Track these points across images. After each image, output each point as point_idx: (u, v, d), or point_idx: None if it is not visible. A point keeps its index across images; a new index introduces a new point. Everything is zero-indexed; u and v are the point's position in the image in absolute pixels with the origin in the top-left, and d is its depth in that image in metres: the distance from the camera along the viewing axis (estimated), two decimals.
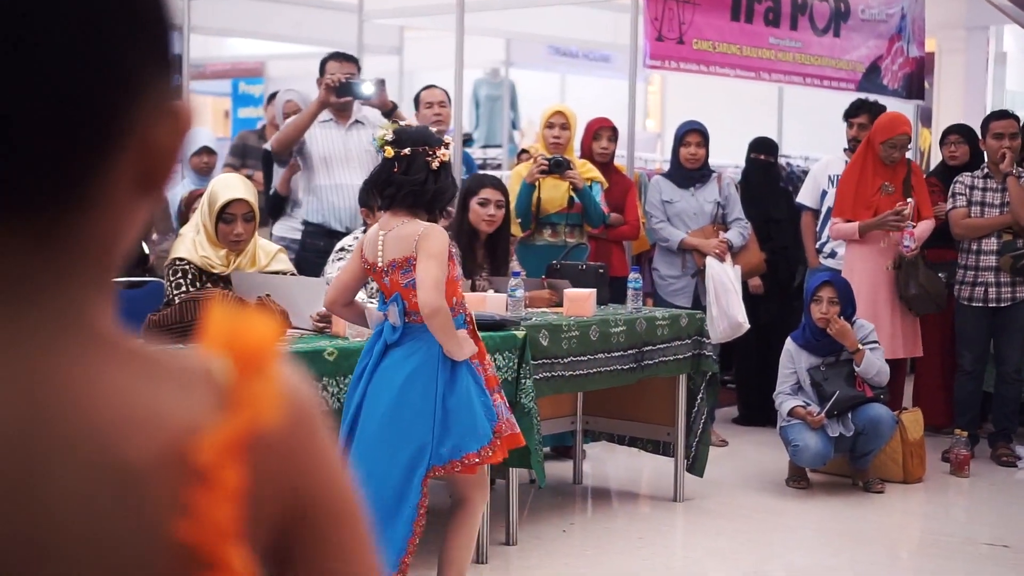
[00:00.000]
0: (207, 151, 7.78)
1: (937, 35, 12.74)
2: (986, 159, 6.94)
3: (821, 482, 6.45)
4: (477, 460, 3.96)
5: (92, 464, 0.75)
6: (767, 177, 7.95)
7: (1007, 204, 6.79)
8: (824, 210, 7.40)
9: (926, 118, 12.95)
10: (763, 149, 8.00)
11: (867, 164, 6.94)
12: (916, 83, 9.54)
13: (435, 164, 4.00)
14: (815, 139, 8.58)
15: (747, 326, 6.98)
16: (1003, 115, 7.05)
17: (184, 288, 4.57)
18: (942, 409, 7.41)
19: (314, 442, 0.86)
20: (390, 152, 3.99)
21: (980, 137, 7.14)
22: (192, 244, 4.69)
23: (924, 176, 8.01)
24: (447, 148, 4.12)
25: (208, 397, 0.80)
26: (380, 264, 3.99)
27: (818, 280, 6.42)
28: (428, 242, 3.90)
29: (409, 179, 3.96)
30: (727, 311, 6.94)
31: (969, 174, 7.03)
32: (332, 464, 0.87)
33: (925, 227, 6.92)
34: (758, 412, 7.77)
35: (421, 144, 4.00)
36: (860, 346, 6.21)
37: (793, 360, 6.35)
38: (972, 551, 5.44)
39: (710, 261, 7.01)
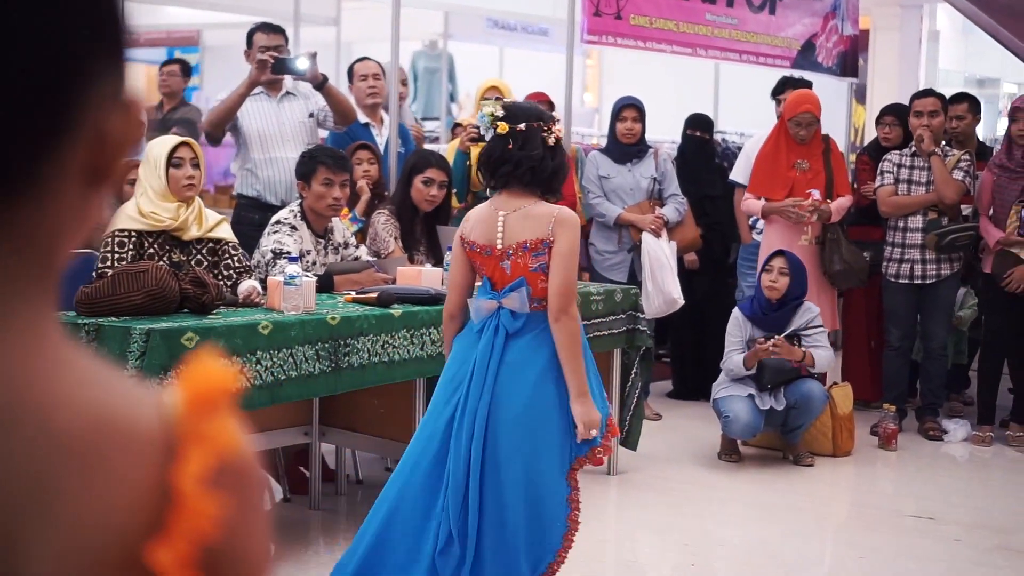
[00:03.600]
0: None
1: (872, 13, 12.87)
2: (914, 138, 7.03)
3: (753, 455, 6.54)
4: (601, 451, 3.78)
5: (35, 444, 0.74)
6: (703, 153, 8.01)
7: (932, 182, 6.88)
8: None
9: (861, 95, 13.09)
10: (699, 126, 8.05)
11: (780, 141, 7.01)
12: (850, 61, 9.64)
13: (551, 140, 3.77)
14: (751, 116, 8.64)
15: (682, 301, 7.04)
16: (926, 93, 7.13)
17: (121, 259, 4.53)
18: (870, 384, 7.54)
19: (249, 507, 0.84)
20: (504, 128, 3.74)
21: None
22: (134, 210, 4.65)
23: (858, 153, 8.12)
24: (559, 124, 3.94)
25: (155, 413, 0.80)
26: (499, 246, 3.75)
27: (772, 252, 6.48)
28: (570, 232, 3.69)
29: (527, 155, 3.71)
30: (662, 286, 6.99)
31: (897, 152, 7.12)
32: (258, 535, 0.86)
33: (842, 203, 7.00)
34: (692, 386, 7.85)
35: (536, 119, 3.77)
36: (804, 351, 6.26)
37: (740, 329, 6.41)
38: (898, 523, 5.54)
39: (646, 237, 7.06)
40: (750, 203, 7.07)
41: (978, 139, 7.86)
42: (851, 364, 7.72)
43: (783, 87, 7.72)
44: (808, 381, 6.29)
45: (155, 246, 4.66)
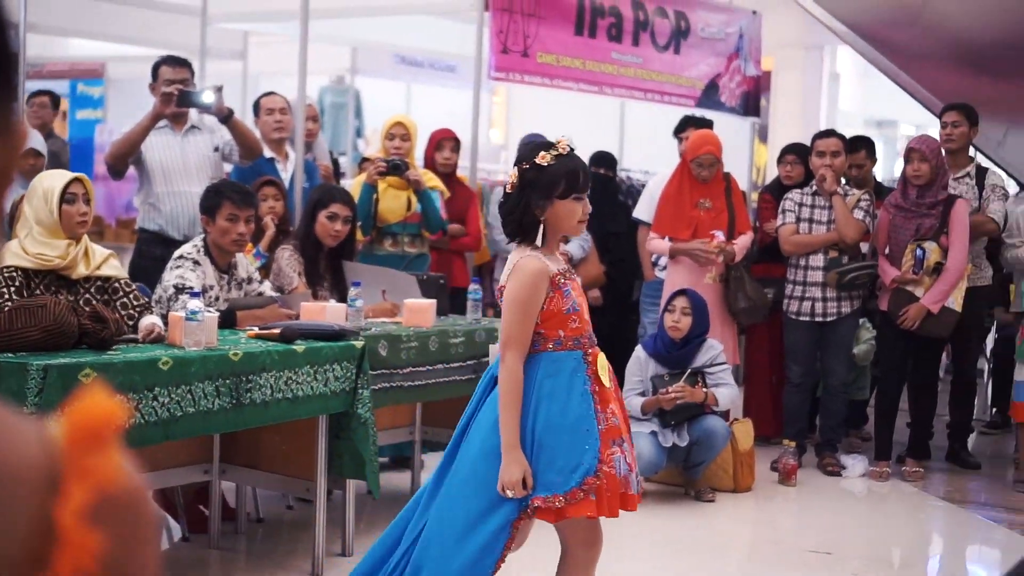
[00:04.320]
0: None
1: (774, 54, 13.08)
2: (815, 177, 7.14)
3: (654, 491, 6.58)
4: (539, 505, 3.54)
5: None
6: (607, 191, 8.08)
7: (834, 221, 7.00)
8: None
9: (763, 135, 13.29)
10: (603, 163, 8.13)
11: (683, 181, 7.08)
12: (753, 101, 9.81)
13: (508, 188, 3.69)
14: (655, 154, 8.76)
15: None
16: (828, 134, 7.25)
17: (8, 297, 4.44)
18: (771, 420, 7.63)
19: (135, 541, 0.82)
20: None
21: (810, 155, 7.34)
22: (19, 248, 4.57)
23: (760, 191, 8.24)
24: (524, 162, 3.67)
25: (39, 448, 0.79)
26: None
27: (674, 291, 6.53)
28: (515, 280, 3.62)
29: (503, 210, 3.71)
30: None
31: (799, 191, 7.23)
32: (147, 571, 0.84)
33: (744, 241, 7.11)
34: None
35: (517, 164, 3.73)
36: (706, 390, 6.32)
37: (641, 368, 6.45)
38: (798, 557, 5.60)
39: None
40: (656, 243, 7.14)
41: (875, 179, 8.02)
42: (752, 400, 7.81)
43: (685, 126, 7.83)
44: (711, 417, 6.35)
45: (41, 287, 4.56)
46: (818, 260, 7.05)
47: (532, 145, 3.71)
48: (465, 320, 5.88)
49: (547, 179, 3.58)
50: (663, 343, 6.42)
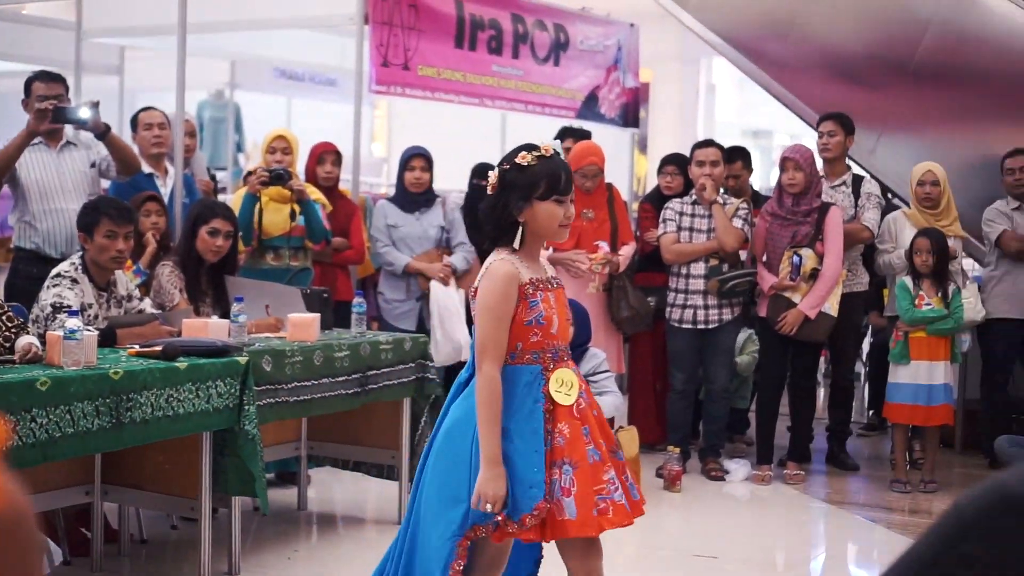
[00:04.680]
0: None
1: (652, 66, 13.25)
2: (694, 186, 7.24)
3: None
4: (499, 521, 3.44)
5: None
6: None
7: (714, 230, 7.11)
8: None
9: (642, 145, 13.44)
10: (485, 175, 8.07)
11: None
12: (632, 112, 9.92)
13: (488, 188, 3.59)
14: None
15: None
16: (707, 144, 7.35)
17: None
18: (655, 427, 7.72)
19: (18, 565, 0.81)
20: None
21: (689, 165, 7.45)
22: None
23: (640, 201, 8.33)
24: (505, 163, 3.59)
25: None
26: None
27: None
28: (485, 284, 3.51)
29: (481, 213, 3.66)
30: (451, 334, 7.06)
31: (679, 200, 7.33)
32: None
33: (627, 251, 7.19)
34: None
35: (477, 175, 3.73)
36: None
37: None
38: (684, 562, 5.66)
39: (434, 285, 7.11)
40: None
41: (752, 188, 8.16)
42: (637, 408, 7.89)
43: (563, 136, 7.90)
44: None
45: None
46: (699, 268, 7.15)
47: (516, 147, 3.62)
48: (350, 334, 5.86)
49: (527, 179, 3.50)
50: None
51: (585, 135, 7.88)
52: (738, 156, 7.81)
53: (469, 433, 3.47)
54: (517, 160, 3.52)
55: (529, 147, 3.56)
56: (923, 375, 6.99)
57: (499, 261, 3.52)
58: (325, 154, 7.21)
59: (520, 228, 3.53)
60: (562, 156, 3.59)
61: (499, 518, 3.41)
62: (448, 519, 3.49)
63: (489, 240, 3.60)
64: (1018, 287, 7.44)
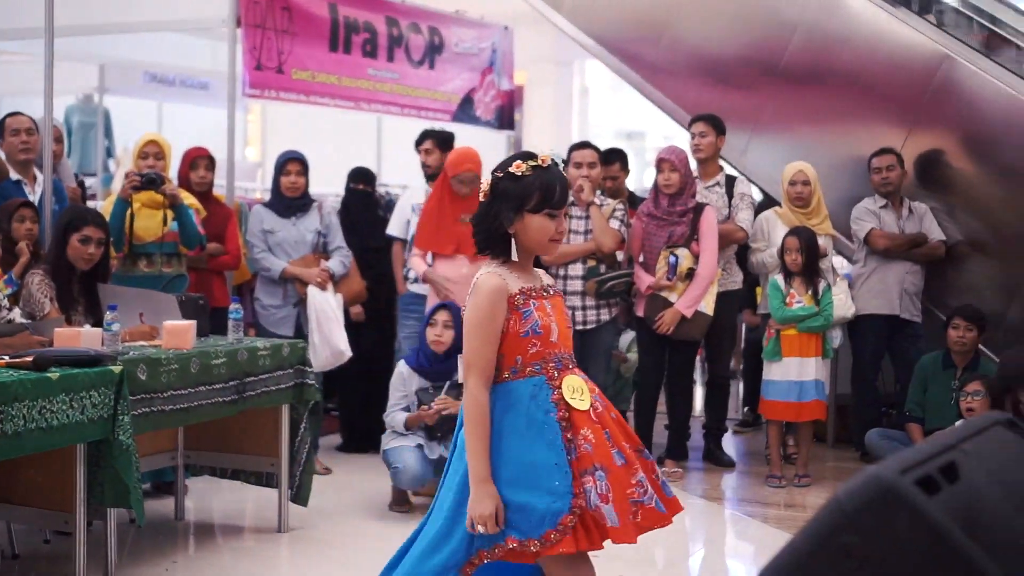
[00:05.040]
0: None
1: (527, 69, 13.31)
2: (572, 188, 7.28)
3: (424, 505, 6.58)
4: (514, 547, 3.28)
5: None
6: (366, 206, 8.07)
7: (591, 231, 7.16)
8: (409, 238, 7.58)
9: (517, 148, 13.47)
10: (362, 179, 8.11)
11: (444, 196, 7.13)
12: (507, 114, 9.96)
13: (482, 196, 3.49)
14: (414, 169, 8.77)
15: (349, 354, 7.08)
16: (583, 146, 7.40)
17: None
18: None
19: None
20: None
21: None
22: None
23: None
24: (499, 171, 3.48)
25: None
26: None
27: (436, 305, 6.56)
28: (474, 299, 3.39)
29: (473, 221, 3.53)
30: (329, 339, 7.00)
31: None
32: None
33: None
34: (361, 439, 7.86)
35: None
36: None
37: (405, 382, 6.45)
38: None
39: (312, 290, 7.06)
40: (416, 262, 7.18)
41: (628, 189, 8.24)
42: None
43: (423, 139, 7.89)
44: None
45: None
46: (577, 269, 7.19)
47: (512, 155, 3.50)
48: (226, 340, 5.78)
49: (520, 190, 3.38)
50: (426, 357, 6.44)
51: (447, 137, 7.87)
52: (616, 158, 7.88)
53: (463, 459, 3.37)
54: (511, 169, 3.41)
55: (526, 155, 3.44)
56: (795, 372, 7.12)
57: (486, 275, 3.41)
58: (198, 159, 7.11)
59: (512, 240, 3.43)
60: (560, 167, 3.48)
61: (512, 543, 3.26)
62: (452, 548, 3.36)
63: (478, 249, 3.50)
64: (886, 284, 7.62)
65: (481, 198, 3.47)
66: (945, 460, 2.26)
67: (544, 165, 3.42)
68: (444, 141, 7.82)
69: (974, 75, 7.63)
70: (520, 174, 3.39)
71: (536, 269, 3.50)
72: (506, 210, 3.39)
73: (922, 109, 7.89)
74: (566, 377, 3.40)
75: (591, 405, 3.39)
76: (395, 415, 6.37)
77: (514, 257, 3.46)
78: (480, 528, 3.25)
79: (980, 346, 7.14)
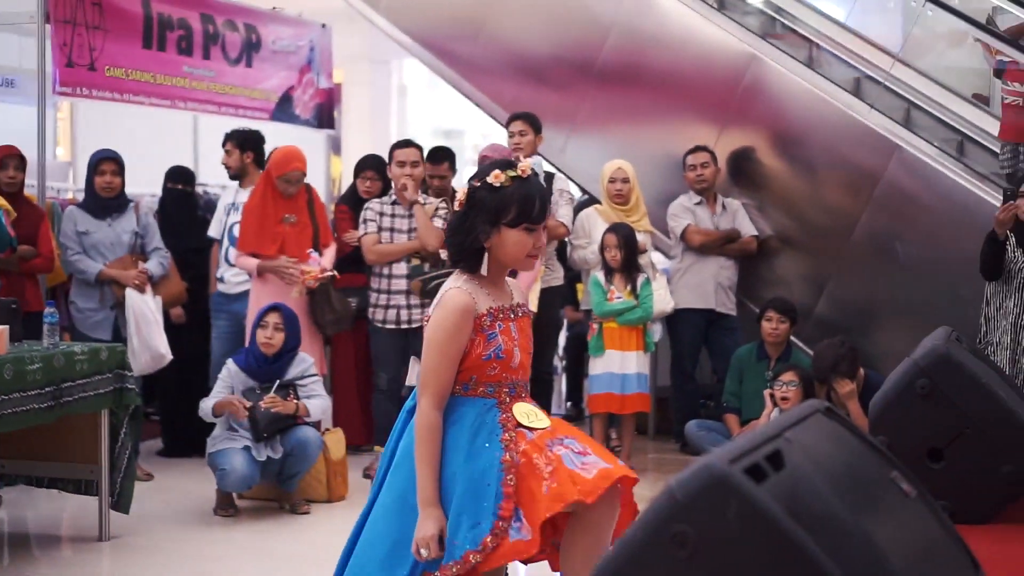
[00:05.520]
0: None
1: (344, 67, 13.24)
2: (393, 186, 7.27)
3: (248, 507, 6.52)
4: (454, 570, 3.20)
5: None
6: (185, 206, 7.94)
7: (415, 230, 7.17)
8: (225, 239, 7.49)
9: (336, 147, 13.41)
10: (180, 178, 7.98)
11: (267, 197, 7.05)
12: (326, 113, 9.89)
13: (456, 204, 3.35)
14: None
15: (170, 357, 6.96)
16: (407, 144, 7.39)
17: None
18: (361, 428, 7.72)
19: None
20: None
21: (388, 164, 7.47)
22: None
23: (336, 203, 8.32)
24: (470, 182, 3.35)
25: None
26: None
27: (266, 307, 6.49)
28: (436, 315, 3.28)
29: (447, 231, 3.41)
30: (149, 342, 6.87)
31: (378, 200, 7.35)
32: None
33: (331, 254, 7.19)
34: (183, 443, 7.73)
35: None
36: (297, 404, 6.31)
37: (232, 379, 6.37)
38: None
39: (130, 292, 6.91)
40: (243, 261, 7.07)
41: (453, 188, 8.27)
42: (341, 410, 7.87)
43: (227, 139, 7.78)
44: (303, 428, 6.36)
45: None
46: (401, 268, 7.19)
47: (491, 162, 3.34)
48: (41, 346, 5.62)
49: (497, 202, 3.24)
50: (255, 358, 6.38)
51: (248, 138, 7.75)
52: (445, 157, 7.88)
53: (407, 468, 3.29)
54: (489, 179, 3.27)
55: (505, 164, 3.31)
56: (617, 365, 7.26)
57: (454, 291, 3.28)
58: (7, 158, 6.90)
59: (485, 254, 3.31)
60: (540, 177, 3.35)
61: (455, 567, 3.18)
62: (392, 564, 3.28)
63: (451, 261, 3.37)
64: (701, 279, 7.81)
65: (456, 207, 3.34)
66: (771, 449, 2.36)
67: (524, 176, 3.29)
68: (245, 141, 7.72)
69: (780, 74, 7.88)
70: (499, 185, 3.26)
71: (509, 281, 3.40)
72: (482, 223, 3.26)
73: (733, 107, 8.12)
74: (516, 404, 3.34)
75: (544, 427, 3.33)
76: (205, 401, 6.30)
77: (483, 272, 3.33)
78: (424, 552, 3.19)
79: (792, 337, 7.38)
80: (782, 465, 2.38)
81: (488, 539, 3.18)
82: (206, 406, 6.31)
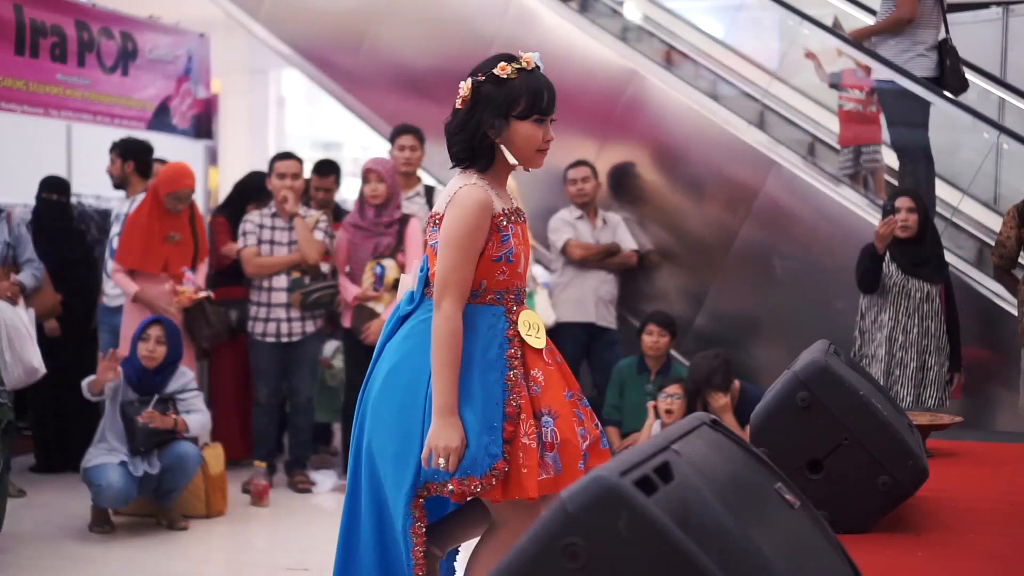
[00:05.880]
0: None
1: (222, 77, 13.10)
2: (275, 198, 7.21)
3: (125, 524, 6.40)
4: (476, 487, 3.11)
5: None
6: (60, 217, 7.78)
7: (296, 242, 7.11)
8: (108, 250, 7.37)
9: (214, 158, 13.24)
10: (54, 188, 7.81)
11: (154, 214, 6.93)
12: (204, 123, 9.77)
13: (459, 103, 3.22)
14: (107, 178, 8.50)
15: (43, 371, 6.79)
16: (286, 156, 7.35)
17: None
18: (240, 442, 7.63)
19: None
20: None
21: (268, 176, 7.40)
22: None
23: (213, 214, 8.22)
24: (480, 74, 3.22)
25: None
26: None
27: (148, 319, 6.39)
28: (455, 211, 3.14)
29: (446, 131, 3.29)
30: (21, 356, 6.69)
31: (258, 212, 7.28)
32: None
33: (203, 272, 7.11)
34: (57, 458, 7.56)
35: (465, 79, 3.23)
36: (176, 419, 6.21)
37: (113, 389, 6.26)
38: None
39: (1, 305, 6.73)
40: (122, 280, 6.95)
41: (335, 202, 8.22)
42: (220, 424, 7.76)
43: (111, 148, 7.68)
44: (181, 443, 6.27)
45: None
46: (281, 281, 7.13)
47: (493, 56, 3.24)
48: None
49: (506, 94, 3.16)
50: (135, 370, 6.28)
51: (130, 147, 7.61)
52: (331, 170, 7.85)
53: (418, 375, 3.14)
54: (495, 71, 3.18)
55: (508, 58, 3.21)
56: None
57: (470, 187, 3.16)
58: None
59: (494, 150, 3.21)
60: (542, 70, 3.25)
61: (449, 487, 3.09)
62: (398, 479, 3.14)
63: (455, 161, 3.27)
64: (582, 292, 7.85)
65: (458, 104, 3.25)
66: (660, 461, 2.38)
67: (529, 68, 3.20)
68: (126, 151, 7.60)
69: (660, 90, 7.98)
70: (505, 77, 3.17)
71: (507, 188, 3.32)
72: (490, 116, 3.17)
73: (613, 122, 8.20)
74: (523, 312, 3.24)
75: (545, 344, 3.25)
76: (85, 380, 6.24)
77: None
78: (441, 462, 3.06)
79: (672, 351, 7.47)
80: (671, 477, 2.40)
81: (500, 464, 3.11)
82: (84, 384, 6.22)
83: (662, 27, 8.73)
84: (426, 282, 3.24)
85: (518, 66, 3.19)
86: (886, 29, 7.54)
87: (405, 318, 3.26)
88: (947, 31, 7.51)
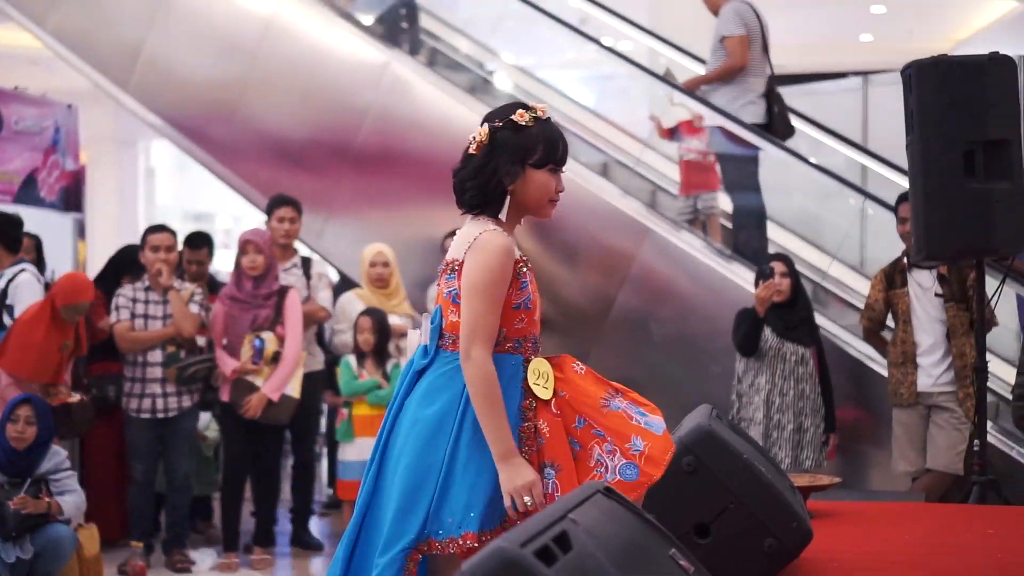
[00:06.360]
0: None
1: (90, 148, 12.93)
2: (150, 272, 7.09)
3: None
4: (467, 544, 3.06)
5: None
6: None
7: (170, 316, 7.01)
8: None
9: (82, 231, 13.03)
10: None
11: (52, 328, 6.66)
12: (73, 195, 9.64)
13: (473, 148, 3.19)
14: None
15: None
16: (160, 229, 7.24)
17: None
18: (116, 522, 7.43)
19: None
20: None
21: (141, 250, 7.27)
22: None
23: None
24: (497, 120, 3.20)
25: None
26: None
27: (16, 399, 6.18)
28: (476, 257, 3.10)
29: (456, 177, 3.23)
30: None
31: (131, 286, 7.15)
32: None
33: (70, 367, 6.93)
34: None
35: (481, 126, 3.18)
36: (49, 502, 6.03)
37: None
38: None
39: None
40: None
41: (210, 274, 8.12)
42: (95, 503, 7.54)
43: None
44: (55, 526, 6.07)
45: None
46: (156, 356, 7.01)
47: (507, 104, 3.23)
48: None
49: (523, 141, 3.16)
50: (4, 452, 6.08)
51: (13, 222, 7.41)
52: (204, 242, 7.76)
53: (439, 434, 3.12)
54: (513, 118, 3.18)
55: (524, 106, 3.21)
56: (368, 451, 7.18)
57: (491, 232, 3.13)
58: None
59: (507, 197, 3.19)
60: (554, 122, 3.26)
61: (465, 538, 3.05)
62: (402, 530, 3.11)
63: (467, 207, 3.22)
64: None
65: (472, 150, 3.22)
66: (558, 530, 2.40)
67: (544, 117, 3.22)
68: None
69: None
70: (523, 124, 3.18)
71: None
72: (506, 163, 3.17)
73: None
74: (533, 360, 3.20)
75: (553, 393, 3.18)
76: None
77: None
78: (527, 500, 3.01)
79: None
80: (570, 547, 2.42)
81: (513, 514, 3.08)
82: None
83: (532, 96, 8.85)
84: (440, 334, 3.21)
85: (534, 115, 3.21)
86: (718, 77, 7.81)
87: (420, 373, 3.23)
88: (772, 73, 7.81)
